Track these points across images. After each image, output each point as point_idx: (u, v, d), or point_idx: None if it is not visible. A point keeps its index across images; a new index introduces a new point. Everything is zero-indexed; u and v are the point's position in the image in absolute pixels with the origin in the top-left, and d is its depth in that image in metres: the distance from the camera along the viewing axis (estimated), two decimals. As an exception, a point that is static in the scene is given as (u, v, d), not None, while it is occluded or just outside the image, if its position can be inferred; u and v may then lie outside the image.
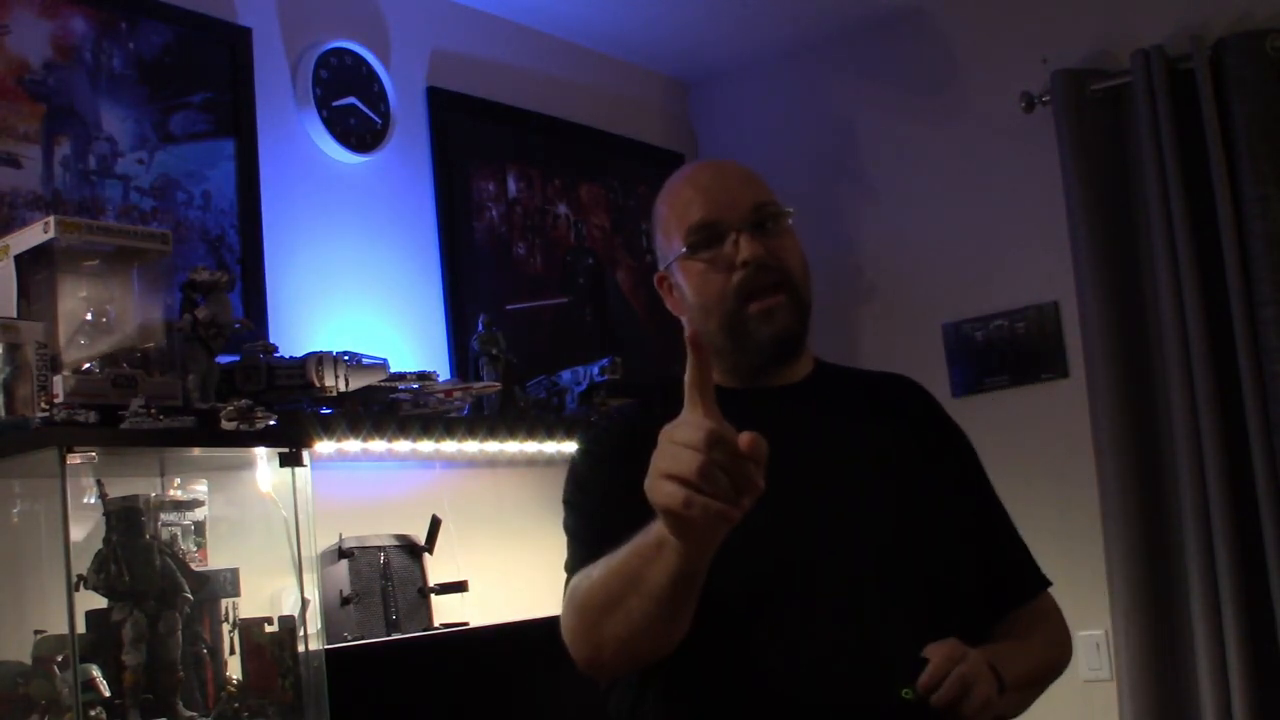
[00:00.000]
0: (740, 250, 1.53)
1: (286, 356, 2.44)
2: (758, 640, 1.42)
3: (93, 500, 2.11)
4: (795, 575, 1.44)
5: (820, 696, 1.39)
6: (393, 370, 2.59)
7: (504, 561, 3.05)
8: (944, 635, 1.41)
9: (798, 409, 1.58)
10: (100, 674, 2.04)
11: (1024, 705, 1.52)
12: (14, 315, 2.10)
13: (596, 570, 1.36)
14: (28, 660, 2.06)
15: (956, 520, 1.55)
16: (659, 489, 1.16)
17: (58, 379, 2.03)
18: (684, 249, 1.57)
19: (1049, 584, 1.67)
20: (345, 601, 2.61)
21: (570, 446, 3.07)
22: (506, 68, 3.48)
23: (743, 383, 1.60)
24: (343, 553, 2.66)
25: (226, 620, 2.27)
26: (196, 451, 2.24)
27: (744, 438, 1.15)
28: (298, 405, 2.41)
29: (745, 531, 1.44)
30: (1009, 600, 1.62)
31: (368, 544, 2.72)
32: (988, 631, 1.55)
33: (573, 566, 1.51)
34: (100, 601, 2.11)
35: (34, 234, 2.11)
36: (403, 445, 2.62)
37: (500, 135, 3.41)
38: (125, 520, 2.12)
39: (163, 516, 2.24)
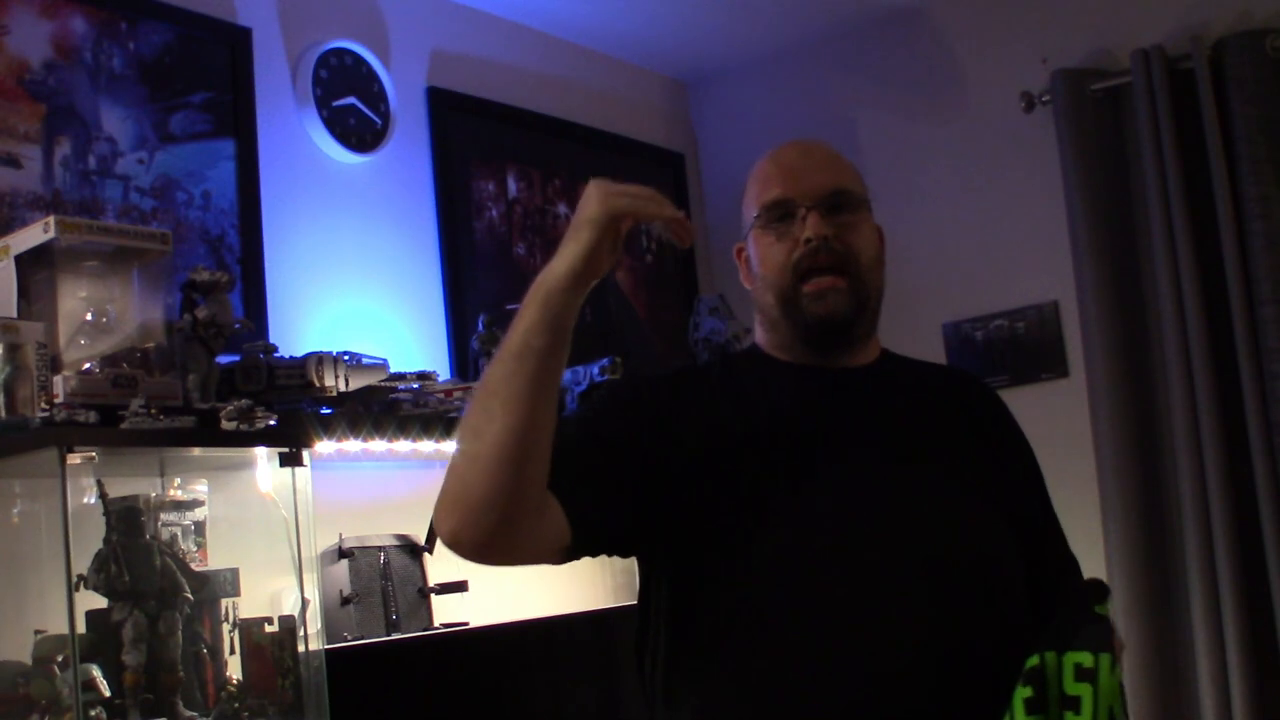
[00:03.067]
0: (805, 228, 1.53)
1: (286, 356, 2.44)
2: (806, 630, 1.40)
3: (93, 500, 2.11)
4: (850, 559, 1.42)
5: (869, 689, 1.38)
6: (393, 370, 2.59)
7: (504, 561, 3.04)
8: (995, 630, 1.41)
9: (861, 393, 1.57)
10: (100, 674, 2.04)
11: None
12: (14, 315, 2.10)
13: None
14: (28, 660, 2.06)
15: (1012, 520, 1.54)
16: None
17: (58, 379, 2.03)
18: (756, 221, 1.58)
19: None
20: (345, 601, 2.61)
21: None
22: (506, 68, 3.48)
23: (802, 360, 1.58)
24: (343, 553, 2.66)
25: (226, 620, 2.27)
26: (196, 451, 2.24)
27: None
28: (298, 405, 2.41)
29: (801, 512, 1.44)
30: (1053, 609, 1.59)
31: (368, 544, 2.72)
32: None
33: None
34: (100, 601, 2.11)
35: (34, 234, 2.11)
36: (403, 445, 2.62)
37: (500, 135, 3.41)
38: (125, 520, 2.12)
39: (163, 516, 2.24)
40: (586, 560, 1.50)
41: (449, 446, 2.74)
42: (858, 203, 1.58)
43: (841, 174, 1.59)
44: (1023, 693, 1.31)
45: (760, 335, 1.63)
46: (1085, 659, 1.32)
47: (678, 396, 1.54)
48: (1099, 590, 1.41)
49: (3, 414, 2.03)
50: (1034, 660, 1.33)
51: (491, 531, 1.34)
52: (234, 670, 2.26)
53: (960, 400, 1.66)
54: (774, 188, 1.56)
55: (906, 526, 1.45)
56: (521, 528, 1.36)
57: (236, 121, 2.76)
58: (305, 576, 2.26)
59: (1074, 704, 1.30)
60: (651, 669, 1.52)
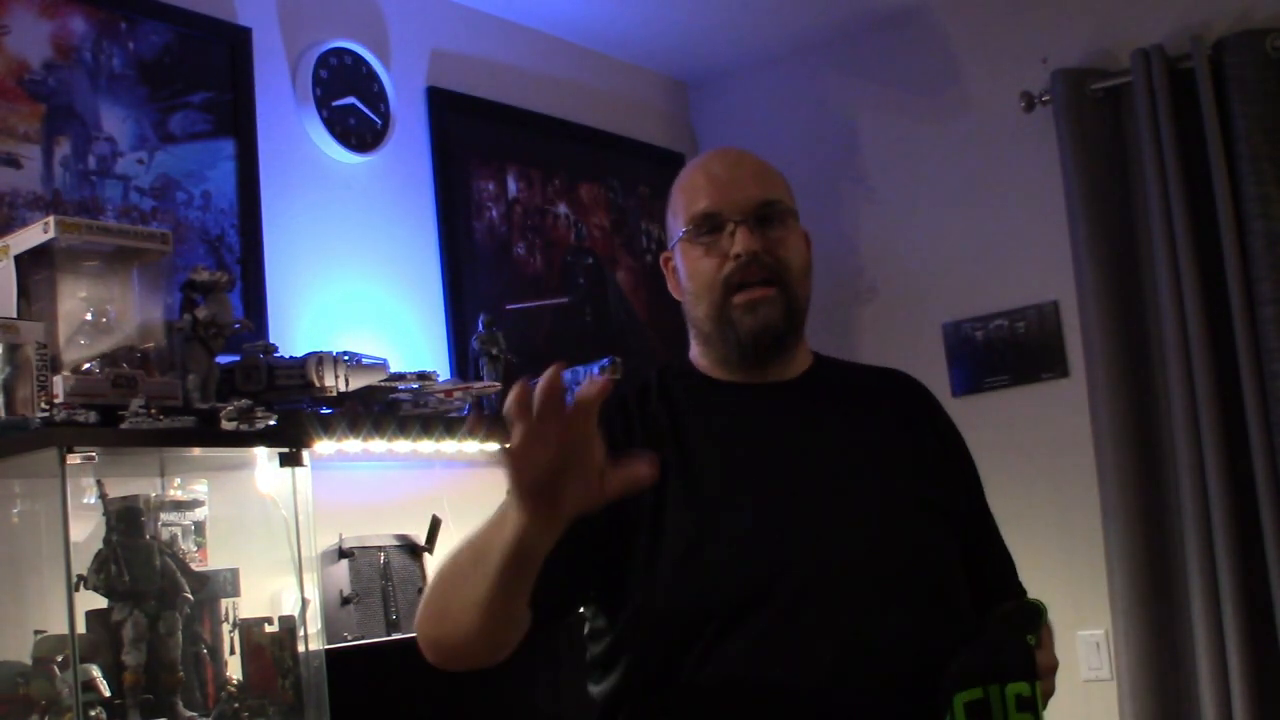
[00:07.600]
0: (735, 243, 1.54)
1: (286, 356, 2.44)
2: (747, 641, 1.41)
3: (93, 500, 2.12)
4: (786, 575, 1.43)
5: (812, 696, 1.39)
6: (393, 370, 2.59)
7: (504, 561, 3.05)
8: (936, 635, 1.42)
9: (791, 406, 1.58)
10: (100, 674, 2.05)
11: None
12: (14, 315, 2.10)
13: (459, 543, 1.40)
14: (28, 660, 2.06)
15: (949, 521, 1.55)
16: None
17: (58, 379, 2.03)
18: (685, 234, 1.58)
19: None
20: (345, 601, 2.62)
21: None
22: (506, 68, 3.48)
23: (734, 375, 1.60)
24: (343, 553, 2.67)
25: (226, 620, 2.27)
26: (196, 451, 2.24)
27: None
28: (298, 405, 2.41)
29: (736, 530, 1.45)
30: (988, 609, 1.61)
31: (368, 544, 2.73)
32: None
33: None
34: (100, 601, 2.11)
35: (34, 234, 2.11)
36: (403, 445, 2.62)
37: (500, 135, 3.41)
38: (125, 520, 2.12)
39: (163, 516, 2.24)
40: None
41: (448, 446, 2.75)
42: (786, 213, 1.58)
43: (770, 185, 1.59)
44: None
45: (694, 349, 1.64)
46: (1024, 689, 1.36)
47: (628, 430, 1.52)
48: (1032, 614, 1.44)
49: (3, 414, 2.03)
50: (977, 693, 1.36)
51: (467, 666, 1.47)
52: (234, 670, 2.26)
53: (894, 402, 1.67)
54: (702, 200, 1.57)
55: (847, 535, 1.46)
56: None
57: (236, 121, 2.76)
58: (305, 576, 2.26)
59: None
60: (612, 699, 1.52)
